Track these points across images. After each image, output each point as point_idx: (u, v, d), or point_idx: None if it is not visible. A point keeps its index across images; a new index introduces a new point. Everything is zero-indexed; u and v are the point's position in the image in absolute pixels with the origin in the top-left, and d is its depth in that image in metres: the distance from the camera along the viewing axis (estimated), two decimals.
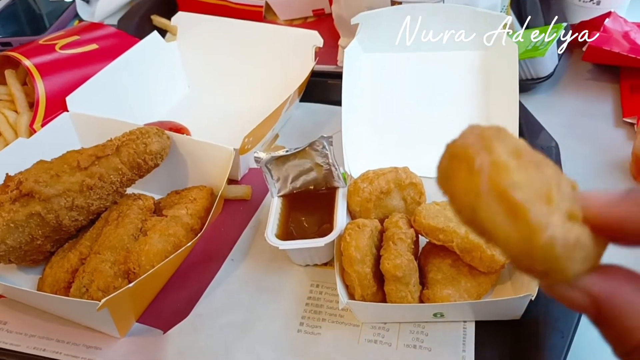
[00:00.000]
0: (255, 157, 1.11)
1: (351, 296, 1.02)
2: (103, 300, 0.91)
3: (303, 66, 1.47)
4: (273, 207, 1.15)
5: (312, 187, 1.18)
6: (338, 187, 1.17)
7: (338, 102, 1.32)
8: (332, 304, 1.09)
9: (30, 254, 1.12)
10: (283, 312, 1.07)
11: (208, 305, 1.10)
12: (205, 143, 1.24)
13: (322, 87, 1.57)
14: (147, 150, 1.20)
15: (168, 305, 1.11)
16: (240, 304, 1.09)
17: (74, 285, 1.02)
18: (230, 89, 1.59)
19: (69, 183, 1.12)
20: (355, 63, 1.40)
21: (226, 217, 1.27)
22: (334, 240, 1.06)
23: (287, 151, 1.11)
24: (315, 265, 1.16)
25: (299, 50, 1.50)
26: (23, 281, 1.15)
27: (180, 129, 1.47)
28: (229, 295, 1.11)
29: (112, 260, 1.05)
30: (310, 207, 1.18)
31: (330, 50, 1.66)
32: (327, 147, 1.10)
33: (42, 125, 1.32)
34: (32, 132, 1.32)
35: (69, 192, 1.11)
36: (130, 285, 0.95)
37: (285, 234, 1.14)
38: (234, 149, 1.21)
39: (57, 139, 1.31)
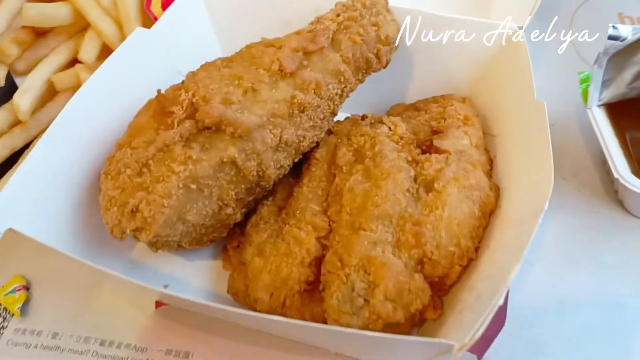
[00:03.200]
0: (613, 35, 0.62)
1: None
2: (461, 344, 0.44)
3: None
4: (599, 125, 0.71)
5: None
6: None
7: None
8: None
9: (211, 230, 0.63)
10: None
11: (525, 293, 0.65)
12: (453, 19, 0.74)
13: None
14: (381, 35, 0.68)
15: None
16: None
17: (333, 292, 0.55)
18: None
19: (273, 102, 0.61)
20: None
21: None
22: None
23: None
24: None
25: None
26: (185, 273, 0.67)
27: None
28: (547, 273, 0.67)
29: (391, 241, 0.56)
30: None
31: None
32: None
33: (164, 7, 0.78)
34: (147, 16, 0.78)
35: (276, 119, 0.61)
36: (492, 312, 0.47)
37: (636, 164, 0.67)
38: (519, 28, 0.70)
39: (190, 26, 0.78)
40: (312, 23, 0.68)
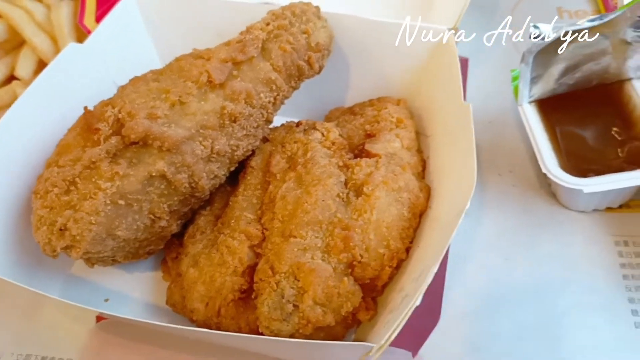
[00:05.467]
0: (534, 36, 0.63)
1: None
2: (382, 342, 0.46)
3: None
4: (529, 121, 0.72)
5: (594, 82, 0.71)
6: (630, 80, 0.71)
7: None
8: None
9: (146, 244, 0.64)
10: (591, 295, 0.66)
11: (460, 292, 0.67)
12: (385, 23, 0.75)
13: None
14: (311, 42, 0.69)
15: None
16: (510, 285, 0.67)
17: (264, 300, 0.56)
18: None
19: (202, 114, 0.62)
20: None
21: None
22: None
23: (592, 20, 0.63)
24: (607, 209, 0.71)
25: None
26: (125, 285, 0.68)
27: None
28: (483, 271, 0.69)
29: (321, 247, 0.58)
30: (585, 115, 0.72)
31: None
32: None
33: (98, 20, 0.78)
34: (81, 30, 0.78)
35: (206, 130, 0.61)
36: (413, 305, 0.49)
37: (566, 161, 0.69)
38: (448, 29, 0.72)
39: (127, 37, 0.78)
40: (242, 33, 0.69)
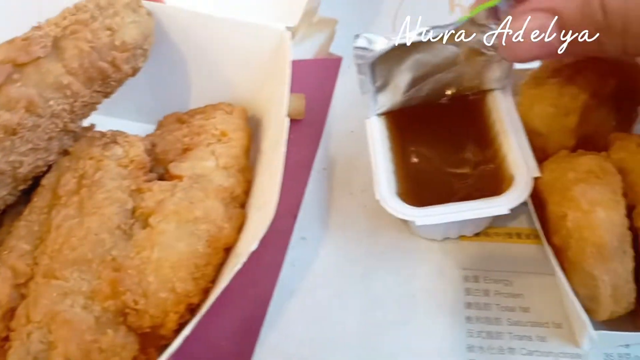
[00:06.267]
0: (357, 46, 0.54)
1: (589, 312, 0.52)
2: None
3: None
4: (373, 137, 0.62)
5: (448, 93, 0.63)
6: (492, 90, 0.62)
7: None
8: (515, 313, 0.58)
9: None
10: (426, 339, 0.57)
11: (280, 335, 0.57)
12: (224, 20, 0.65)
13: None
14: (116, 40, 0.59)
15: (206, 346, 0.57)
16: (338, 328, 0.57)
17: (10, 355, 0.47)
18: None
19: None
20: None
21: None
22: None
23: (428, 32, 0.54)
24: (461, 237, 0.63)
25: None
26: None
27: None
28: (309, 311, 0.59)
29: (85, 291, 0.48)
30: (438, 131, 0.63)
31: None
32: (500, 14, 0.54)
33: None
34: None
35: None
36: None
37: (406, 185, 0.59)
38: (287, 28, 0.62)
39: None
40: (33, 28, 0.59)
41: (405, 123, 0.63)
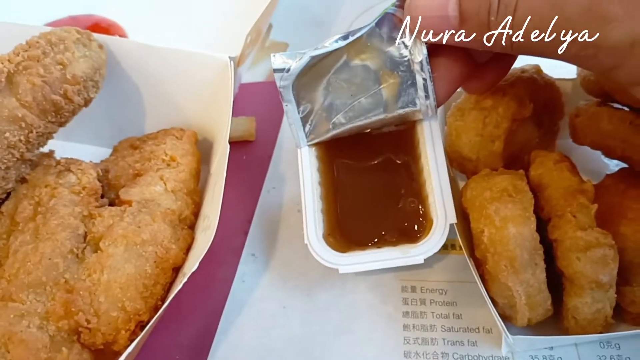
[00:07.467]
0: (276, 67, 0.57)
1: (506, 318, 0.57)
2: None
3: None
4: (303, 172, 0.61)
5: (375, 119, 0.60)
6: (419, 121, 0.61)
7: None
8: (449, 320, 0.62)
9: None
10: (366, 347, 0.61)
11: (229, 346, 0.62)
12: (172, 51, 0.69)
13: None
14: (67, 74, 0.63)
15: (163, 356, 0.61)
16: (284, 338, 0.62)
17: None
18: None
19: None
20: None
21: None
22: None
23: (325, 47, 0.58)
24: None
25: None
26: None
27: (108, 28, 0.91)
28: (257, 323, 0.63)
29: (40, 312, 0.52)
30: (367, 163, 0.64)
31: None
32: (405, 31, 0.55)
33: None
34: None
35: None
36: None
37: (335, 222, 0.61)
38: (230, 59, 0.66)
39: None
40: None
41: (334, 154, 0.63)
